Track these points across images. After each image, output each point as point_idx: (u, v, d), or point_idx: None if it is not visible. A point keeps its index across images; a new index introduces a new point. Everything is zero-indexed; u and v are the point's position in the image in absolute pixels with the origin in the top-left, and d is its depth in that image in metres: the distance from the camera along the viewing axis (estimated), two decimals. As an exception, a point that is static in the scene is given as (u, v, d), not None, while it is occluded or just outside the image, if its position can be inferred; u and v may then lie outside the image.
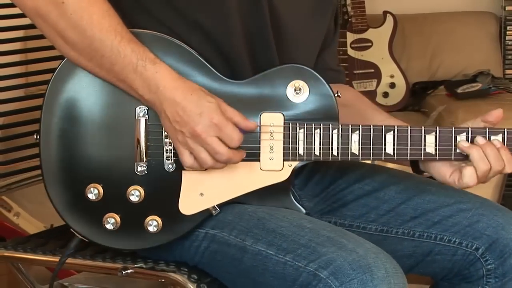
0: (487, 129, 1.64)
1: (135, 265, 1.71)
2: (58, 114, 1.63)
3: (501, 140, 1.64)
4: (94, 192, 1.63)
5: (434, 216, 1.75)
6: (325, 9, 1.89)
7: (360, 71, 4.43)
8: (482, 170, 1.62)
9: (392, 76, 4.46)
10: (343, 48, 4.38)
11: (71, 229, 1.66)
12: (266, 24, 1.70)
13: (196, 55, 1.64)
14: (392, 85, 4.45)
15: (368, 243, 1.56)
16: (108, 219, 1.63)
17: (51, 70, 1.67)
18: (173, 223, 1.65)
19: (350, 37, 4.44)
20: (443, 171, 1.69)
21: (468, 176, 1.63)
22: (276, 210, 1.65)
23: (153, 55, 1.58)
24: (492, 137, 1.64)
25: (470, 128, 1.64)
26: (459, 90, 4.36)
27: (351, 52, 4.43)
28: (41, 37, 1.70)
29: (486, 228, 1.71)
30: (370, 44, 4.49)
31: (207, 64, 1.64)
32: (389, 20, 4.53)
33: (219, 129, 1.55)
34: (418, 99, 4.50)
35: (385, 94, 4.43)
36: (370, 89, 4.42)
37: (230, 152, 1.57)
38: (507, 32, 4.68)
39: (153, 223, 1.63)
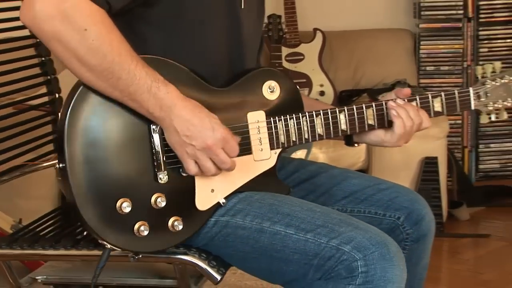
0: (405, 99, 1.84)
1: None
2: (80, 142, 1.60)
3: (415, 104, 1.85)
4: (124, 206, 1.61)
5: (360, 195, 1.91)
6: (262, 13, 1.98)
7: (294, 81, 4.45)
8: (408, 125, 1.81)
9: (321, 85, 4.48)
10: (279, 61, 4.37)
11: (103, 242, 1.64)
12: (242, 39, 1.81)
13: (189, 71, 1.68)
14: (322, 93, 4.47)
15: (362, 222, 1.71)
16: (140, 227, 1.63)
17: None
18: (192, 219, 1.69)
19: (285, 51, 4.45)
20: (378, 134, 1.87)
21: (398, 125, 1.81)
22: (280, 197, 1.75)
23: (163, 77, 1.60)
24: (412, 102, 1.85)
25: (398, 99, 1.83)
26: (380, 97, 4.41)
27: (285, 64, 4.44)
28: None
29: (403, 202, 1.89)
30: (302, 57, 4.51)
31: (198, 78, 1.69)
32: (319, 36, 4.56)
33: (226, 142, 1.63)
34: (345, 104, 4.52)
35: (316, 100, 4.47)
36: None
37: (231, 162, 1.65)
38: (421, 47, 4.72)
39: (176, 223, 1.66)
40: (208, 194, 1.69)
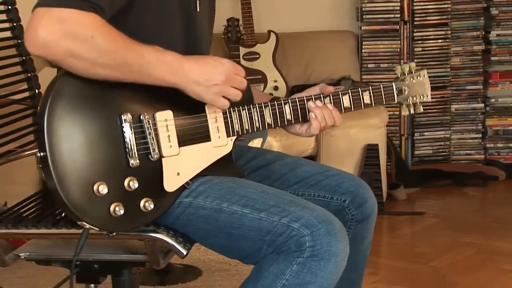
0: (321, 95, 1.90)
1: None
2: (59, 132, 1.58)
3: (347, 98, 1.93)
4: (100, 189, 1.60)
5: (310, 180, 1.94)
6: (213, 14, 1.98)
7: (251, 77, 4.44)
8: (323, 125, 1.87)
9: (275, 81, 4.49)
10: (237, 59, 4.38)
11: (83, 223, 1.62)
12: (198, 39, 1.84)
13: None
14: (276, 88, 4.48)
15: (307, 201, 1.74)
16: (115, 208, 1.62)
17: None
18: (161, 200, 1.69)
19: (242, 50, 4.45)
20: (296, 127, 1.91)
21: (315, 127, 1.86)
22: (238, 180, 1.77)
23: (159, 47, 1.65)
24: (325, 100, 1.89)
25: (313, 96, 1.89)
26: (307, 91, 4.42)
27: (243, 62, 4.42)
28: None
29: (349, 187, 1.92)
30: (258, 56, 4.51)
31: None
32: (273, 37, 4.56)
33: (234, 67, 1.72)
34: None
35: (271, 95, 4.47)
36: (259, 90, 4.45)
37: (244, 80, 1.75)
38: (363, 46, 4.74)
39: (147, 203, 1.66)
40: (175, 177, 1.69)
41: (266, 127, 1.83)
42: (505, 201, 4.33)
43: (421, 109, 2.01)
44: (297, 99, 1.87)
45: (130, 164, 1.64)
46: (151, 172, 1.68)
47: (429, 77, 1.99)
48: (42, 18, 1.52)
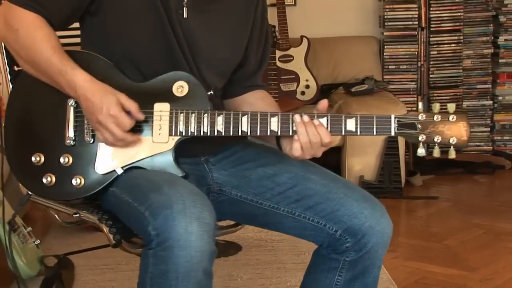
0: (315, 113, 1.59)
1: (83, 211, 1.72)
2: (15, 110, 1.70)
3: (325, 121, 1.57)
4: (37, 159, 1.66)
5: (310, 201, 1.66)
6: (244, 29, 1.79)
7: (285, 77, 4.44)
8: (303, 141, 1.56)
9: (307, 80, 4.45)
10: (273, 61, 4.36)
11: (23, 186, 1.70)
12: (175, 49, 1.66)
13: (113, 66, 1.66)
14: (307, 86, 4.44)
15: (187, 187, 1.51)
16: (47, 177, 1.65)
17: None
18: (92, 181, 1.64)
19: (278, 53, 4.42)
20: (285, 145, 1.64)
21: (295, 148, 1.57)
22: (151, 171, 1.61)
23: (74, 64, 1.59)
24: (320, 119, 1.57)
25: (303, 113, 1.58)
26: (353, 90, 4.40)
27: (279, 63, 4.41)
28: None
29: (342, 216, 1.61)
30: (291, 58, 4.48)
31: (120, 72, 1.66)
32: (305, 41, 4.53)
33: (115, 118, 1.56)
34: (325, 95, 4.49)
35: (303, 93, 4.44)
36: (292, 89, 4.41)
37: (123, 134, 1.57)
38: (385, 50, 4.70)
39: (77, 181, 1.64)
40: (107, 161, 1.64)
41: (216, 134, 1.60)
42: (510, 187, 4.29)
43: (436, 153, 1.60)
44: (259, 113, 1.59)
45: (66, 143, 1.65)
46: (87, 153, 1.65)
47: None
48: (1, 7, 1.65)
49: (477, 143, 4.78)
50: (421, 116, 1.58)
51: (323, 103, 1.60)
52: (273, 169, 1.72)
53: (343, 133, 1.58)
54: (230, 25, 1.76)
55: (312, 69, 4.51)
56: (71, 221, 1.91)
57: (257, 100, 1.84)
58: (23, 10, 1.59)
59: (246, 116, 1.60)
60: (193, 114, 1.61)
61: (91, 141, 1.65)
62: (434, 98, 4.66)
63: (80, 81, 1.57)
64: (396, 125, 1.57)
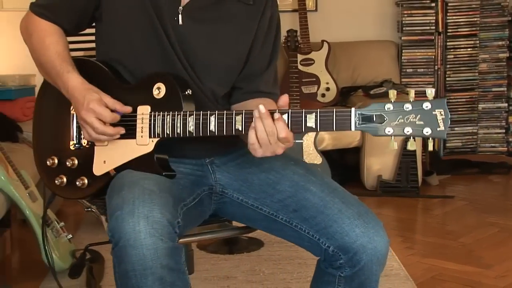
0: (277, 110, 1.44)
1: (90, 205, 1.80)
2: (36, 115, 1.79)
3: (286, 117, 1.43)
4: (51, 161, 1.72)
5: (306, 213, 1.58)
6: (245, 38, 1.72)
7: (306, 80, 4.44)
8: (260, 136, 1.45)
9: (327, 83, 4.46)
10: (295, 65, 4.35)
11: (46, 187, 1.75)
12: (170, 54, 1.64)
13: (107, 70, 1.67)
14: (328, 89, 4.45)
15: (143, 187, 1.47)
16: (58, 178, 1.71)
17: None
18: (93, 181, 1.66)
19: (299, 57, 4.43)
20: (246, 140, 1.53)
21: (249, 136, 1.47)
22: (133, 172, 1.58)
23: (71, 68, 1.63)
24: (279, 113, 1.43)
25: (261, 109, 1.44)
26: (372, 92, 4.40)
27: (300, 67, 4.42)
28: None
29: (335, 233, 1.53)
30: (312, 62, 4.48)
31: (113, 76, 1.66)
32: (325, 46, 4.54)
33: (95, 112, 1.56)
34: (344, 98, 4.53)
35: (323, 95, 4.45)
36: (313, 91, 4.42)
37: (103, 127, 1.57)
38: (403, 54, 4.68)
39: (81, 182, 1.67)
40: (101, 164, 1.65)
41: (187, 134, 1.54)
42: (525, 187, 4.26)
43: (411, 146, 1.38)
44: (225, 112, 1.51)
45: (71, 146, 1.70)
46: (86, 156, 1.67)
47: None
48: (26, 14, 1.73)
49: (492, 144, 4.74)
50: (388, 107, 1.36)
51: (284, 99, 1.47)
52: (276, 175, 1.66)
53: (304, 130, 1.43)
54: (229, 33, 1.70)
55: (332, 72, 4.51)
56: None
57: (255, 106, 1.73)
58: (38, 18, 1.69)
59: (214, 115, 1.52)
60: (168, 116, 1.57)
61: (89, 144, 1.67)
62: (451, 100, 4.63)
63: (72, 82, 1.61)
64: (358, 119, 1.38)
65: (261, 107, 1.44)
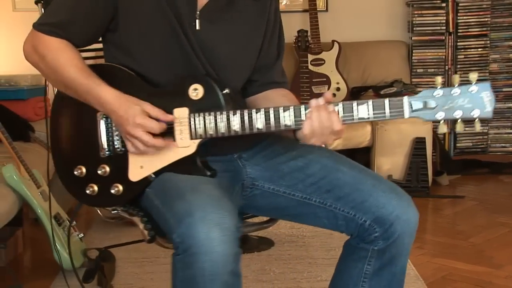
0: (330, 102, 1.51)
1: (121, 207, 1.72)
2: (54, 125, 1.75)
3: (339, 108, 1.49)
4: (79, 172, 1.70)
5: (340, 192, 1.64)
6: (257, 34, 1.78)
7: (317, 80, 4.43)
8: (315, 126, 1.50)
9: (338, 83, 4.45)
10: (305, 65, 4.38)
11: (73, 197, 1.72)
12: (193, 60, 1.65)
13: (135, 75, 1.66)
14: (338, 89, 4.44)
15: (208, 192, 1.49)
16: (89, 187, 1.68)
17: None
18: (128, 187, 1.66)
19: (310, 57, 4.42)
20: (300, 135, 1.55)
21: (305, 126, 1.51)
22: (181, 175, 1.60)
23: (99, 80, 1.60)
24: (332, 106, 1.49)
25: (320, 99, 1.50)
26: (382, 92, 4.39)
27: (311, 67, 4.41)
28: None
29: (371, 206, 1.59)
30: (323, 62, 4.47)
31: (141, 80, 1.65)
32: (336, 46, 4.53)
33: (143, 126, 1.56)
34: (355, 98, 4.50)
35: (334, 95, 4.43)
36: (324, 91, 4.38)
37: (153, 140, 1.57)
38: (413, 54, 4.67)
39: (115, 188, 1.66)
40: (138, 169, 1.64)
41: (233, 133, 1.56)
42: (535, 188, 4.24)
43: (460, 128, 1.45)
44: (271, 109, 1.54)
45: (101, 154, 1.67)
46: (120, 162, 1.66)
47: (470, 81, 1.42)
48: (29, 35, 1.67)
49: (503, 144, 4.72)
50: (437, 93, 1.43)
51: (328, 96, 1.52)
52: (304, 161, 1.70)
53: (356, 119, 1.49)
54: (243, 32, 1.75)
55: (342, 72, 4.50)
56: (112, 217, 1.93)
57: (277, 97, 1.82)
58: (47, 37, 1.63)
59: (260, 113, 1.55)
60: (210, 116, 1.57)
61: (122, 150, 1.66)
62: (461, 100, 4.60)
63: (106, 96, 1.59)
64: (410, 107, 1.45)
65: (320, 99, 1.50)
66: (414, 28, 4.64)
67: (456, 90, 1.42)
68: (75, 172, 1.69)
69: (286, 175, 1.71)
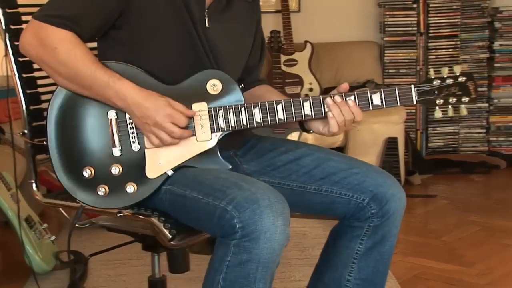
0: (343, 94, 1.64)
1: (126, 210, 1.67)
2: (56, 126, 1.65)
3: (353, 99, 1.64)
4: (88, 172, 1.63)
5: (335, 177, 1.73)
6: (249, 34, 1.85)
7: (290, 80, 4.43)
8: (340, 120, 1.63)
9: (310, 83, 4.45)
10: (278, 65, 4.38)
11: (77, 200, 1.66)
12: (202, 57, 1.68)
13: (144, 72, 1.64)
14: (311, 89, 4.44)
15: (260, 183, 1.54)
16: (100, 189, 1.63)
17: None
18: (144, 185, 1.64)
19: (283, 57, 4.42)
20: (317, 126, 1.69)
21: (332, 125, 1.63)
22: (207, 169, 1.63)
23: (119, 75, 1.58)
24: (347, 98, 1.63)
25: (331, 94, 1.64)
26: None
27: (283, 67, 4.41)
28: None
29: (369, 186, 1.70)
30: (296, 62, 4.47)
31: (152, 78, 1.64)
32: (308, 46, 4.53)
33: (171, 117, 1.57)
34: (327, 98, 4.53)
35: (306, 95, 4.44)
36: (296, 92, 4.41)
37: (181, 131, 1.59)
38: (385, 54, 4.70)
39: (130, 187, 1.63)
40: (156, 166, 1.63)
41: (255, 125, 1.63)
42: (505, 186, 4.28)
43: (437, 114, 1.67)
44: (291, 100, 1.64)
45: (114, 153, 1.64)
46: (135, 160, 1.64)
47: (454, 72, 1.66)
48: (29, 26, 1.60)
49: (473, 144, 4.77)
50: (436, 82, 1.65)
51: (344, 86, 1.66)
52: (295, 155, 1.78)
53: (371, 108, 1.64)
54: (241, 31, 1.81)
55: (315, 72, 4.51)
56: (83, 223, 1.90)
57: (265, 92, 1.87)
58: (56, 29, 1.57)
59: (280, 104, 1.63)
60: (231, 109, 1.62)
61: (138, 149, 1.64)
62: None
63: (128, 90, 1.58)
64: (416, 93, 1.65)
65: (337, 97, 1.63)
66: (386, 29, 4.67)
67: (449, 80, 1.65)
68: (84, 173, 1.63)
69: (280, 167, 1.77)
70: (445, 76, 1.65)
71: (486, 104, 4.75)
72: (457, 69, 1.65)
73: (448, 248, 3.15)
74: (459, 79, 1.65)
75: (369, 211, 1.70)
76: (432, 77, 1.65)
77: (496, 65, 4.71)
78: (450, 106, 1.66)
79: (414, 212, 3.78)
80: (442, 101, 1.65)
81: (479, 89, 4.72)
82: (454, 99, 1.66)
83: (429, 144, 4.76)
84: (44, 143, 1.66)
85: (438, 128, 4.74)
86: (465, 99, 1.65)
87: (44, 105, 1.90)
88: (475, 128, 4.76)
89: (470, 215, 3.66)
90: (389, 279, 2.70)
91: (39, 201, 1.90)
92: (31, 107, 1.89)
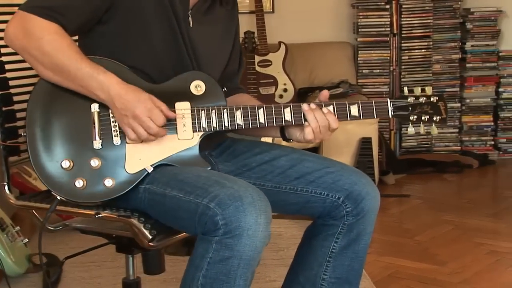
0: (323, 103, 1.69)
1: (104, 211, 1.67)
2: (38, 117, 1.64)
3: (331, 109, 1.68)
4: (66, 165, 1.62)
5: (310, 177, 1.74)
6: (229, 39, 1.88)
7: (264, 81, 4.44)
8: (314, 126, 1.66)
9: (285, 84, 4.46)
10: (252, 66, 4.37)
11: (53, 193, 1.65)
12: (184, 55, 1.71)
13: (127, 69, 1.65)
14: (285, 90, 4.45)
15: (241, 181, 1.55)
16: (77, 181, 1.62)
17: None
18: (123, 180, 1.63)
19: (257, 58, 4.42)
20: (295, 133, 1.73)
21: (307, 132, 1.67)
22: (187, 167, 1.64)
23: (103, 68, 1.59)
24: (328, 107, 1.68)
25: (312, 103, 1.68)
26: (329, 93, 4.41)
27: (258, 68, 4.42)
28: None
29: (344, 184, 1.72)
30: (270, 63, 4.48)
31: (135, 75, 1.65)
32: (283, 47, 4.54)
33: (150, 112, 1.57)
34: (302, 99, 4.51)
35: (281, 96, 4.45)
36: (271, 92, 4.42)
37: (157, 128, 1.59)
38: (359, 55, 4.72)
39: (109, 181, 1.63)
40: (136, 161, 1.64)
41: (236, 127, 1.66)
42: (478, 186, 4.32)
43: (435, 131, 1.75)
44: (273, 106, 1.68)
45: (95, 147, 1.63)
46: (115, 154, 1.64)
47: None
48: (15, 17, 1.60)
49: (446, 144, 4.81)
50: (410, 99, 1.72)
51: (325, 94, 1.70)
52: (269, 156, 1.79)
53: (349, 118, 1.68)
54: (220, 35, 1.84)
55: (289, 73, 4.51)
56: (56, 226, 1.89)
57: (246, 101, 1.87)
58: (42, 19, 1.57)
59: (262, 109, 1.67)
60: (213, 110, 1.65)
61: (119, 143, 1.64)
62: (406, 101, 4.67)
63: (113, 82, 1.58)
64: (392, 107, 1.71)
65: (312, 104, 1.66)
66: (359, 30, 4.69)
67: (422, 99, 1.72)
68: (63, 165, 1.62)
69: (255, 168, 1.79)
70: (418, 95, 1.72)
71: (459, 104, 4.79)
72: (429, 90, 1.73)
73: (422, 247, 3.17)
74: (431, 99, 1.72)
75: (344, 209, 1.72)
76: (406, 95, 1.72)
77: (468, 65, 4.75)
78: (422, 124, 1.73)
79: (388, 211, 3.80)
80: (415, 117, 1.72)
81: (452, 90, 4.77)
82: (427, 117, 1.72)
83: (403, 144, 4.79)
84: (23, 134, 1.65)
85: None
86: (436, 118, 1.72)
87: (16, 106, 1.89)
88: (448, 128, 4.80)
89: (444, 214, 3.68)
90: (363, 279, 2.71)
91: (12, 203, 1.88)
92: (4, 108, 1.87)
